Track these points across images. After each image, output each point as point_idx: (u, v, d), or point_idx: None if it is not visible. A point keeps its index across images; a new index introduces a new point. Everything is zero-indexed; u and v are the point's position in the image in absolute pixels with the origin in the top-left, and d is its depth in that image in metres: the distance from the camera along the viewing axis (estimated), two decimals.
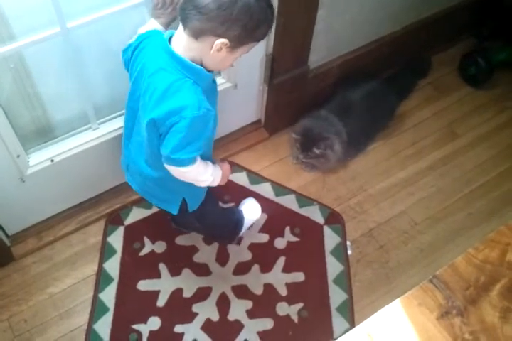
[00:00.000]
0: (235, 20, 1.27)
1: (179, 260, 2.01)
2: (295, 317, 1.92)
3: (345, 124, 2.15)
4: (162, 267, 1.99)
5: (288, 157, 2.28)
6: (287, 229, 2.10)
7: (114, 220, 2.08)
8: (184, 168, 1.43)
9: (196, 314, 1.91)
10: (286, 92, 2.16)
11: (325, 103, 2.24)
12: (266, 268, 2.01)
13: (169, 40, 1.39)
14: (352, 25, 2.12)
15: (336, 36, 2.12)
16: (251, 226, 2.08)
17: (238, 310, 1.93)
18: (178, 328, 1.88)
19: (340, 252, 2.06)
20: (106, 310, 1.90)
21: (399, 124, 2.42)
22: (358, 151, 2.31)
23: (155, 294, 1.94)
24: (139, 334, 1.86)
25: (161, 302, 1.93)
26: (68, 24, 1.48)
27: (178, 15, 1.33)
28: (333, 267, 2.02)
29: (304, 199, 2.18)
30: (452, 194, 2.23)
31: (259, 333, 1.88)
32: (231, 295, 1.95)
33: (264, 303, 1.95)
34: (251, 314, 1.92)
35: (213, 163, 1.58)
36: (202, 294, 1.95)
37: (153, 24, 1.53)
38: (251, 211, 2.08)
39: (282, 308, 1.94)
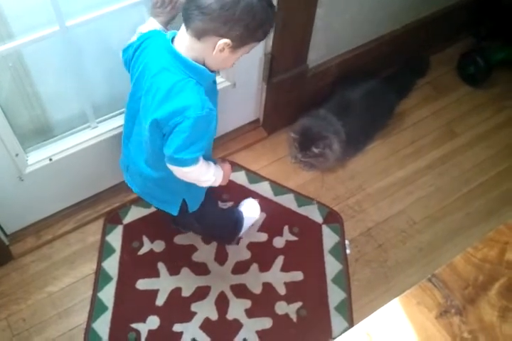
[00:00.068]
0: (237, 20, 1.27)
1: (178, 259, 2.01)
2: (294, 317, 1.92)
3: (344, 123, 2.15)
4: (161, 266, 1.99)
5: (286, 156, 2.28)
6: (286, 228, 2.10)
7: (112, 219, 2.08)
8: (187, 168, 1.43)
9: (195, 313, 1.91)
10: (285, 91, 2.16)
11: (324, 102, 2.24)
12: (265, 267, 2.01)
13: (172, 40, 1.39)
14: (351, 24, 2.12)
15: (335, 35, 2.12)
16: (250, 226, 2.08)
17: (237, 309, 1.93)
18: (177, 327, 1.88)
19: (338, 251, 2.06)
20: (105, 309, 1.90)
21: (398, 123, 2.42)
22: (357, 150, 2.31)
23: (154, 293, 1.94)
24: (138, 333, 1.86)
25: (159, 301, 1.93)
26: (67, 23, 1.47)
27: (182, 15, 1.33)
28: (332, 266, 2.02)
29: (302, 199, 2.18)
30: (451, 193, 2.24)
31: (257, 332, 1.88)
32: (230, 295, 1.95)
33: (263, 302, 1.95)
34: (250, 313, 1.92)
35: (215, 163, 1.58)
36: (201, 293, 1.95)
37: (153, 23, 1.53)
38: (250, 211, 2.07)
39: (281, 307, 1.94)
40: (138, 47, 1.45)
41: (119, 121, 1.87)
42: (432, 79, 2.58)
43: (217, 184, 1.59)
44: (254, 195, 2.16)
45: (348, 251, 2.06)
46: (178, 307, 1.92)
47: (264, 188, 2.20)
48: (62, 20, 1.46)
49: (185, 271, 1.99)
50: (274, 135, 2.34)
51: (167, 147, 1.39)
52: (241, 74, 2.01)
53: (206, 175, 1.52)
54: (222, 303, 1.94)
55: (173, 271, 1.99)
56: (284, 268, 2.01)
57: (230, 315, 1.92)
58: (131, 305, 1.92)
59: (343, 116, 2.17)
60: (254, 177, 2.22)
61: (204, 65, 1.37)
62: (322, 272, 2.01)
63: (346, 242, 2.08)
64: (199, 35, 1.31)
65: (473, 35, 2.68)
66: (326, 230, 2.11)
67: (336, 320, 1.91)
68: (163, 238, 2.05)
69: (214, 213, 1.92)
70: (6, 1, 1.39)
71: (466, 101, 2.51)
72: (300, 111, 2.21)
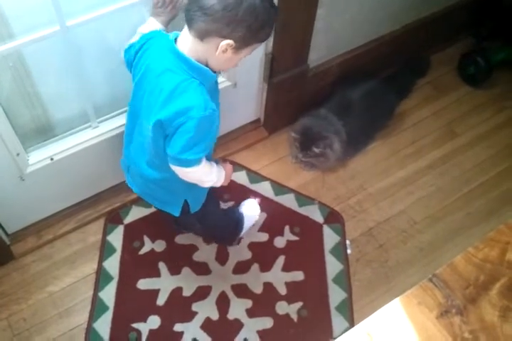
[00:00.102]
0: (240, 21, 1.28)
1: (179, 259, 2.01)
2: (294, 317, 1.92)
3: (344, 123, 2.15)
4: (162, 266, 1.99)
5: (287, 156, 2.28)
6: (287, 228, 2.10)
7: (113, 219, 2.08)
8: (190, 168, 1.43)
9: (196, 313, 1.91)
10: (286, 91, 2.16)
11: (324, 102, 2.24)
12: (265, 267, 2.01)
13: (174, 41, 1.39)
14: (352, 24, 2.12)
15: (336, 35, 2.12)
16: (251, 226, 2.08)
17: (238, 309, 1.93)
18: (178, 327, 1.88)
19: (339, 251, 2.06)
20: (106, 308, 1.90)
21: (398, 123, 2.42)
22: (358, 150, 2.31)
23: (155, 293, 1.94)
24: (139, 333, 1.86)
25: (160, 301, 1.93)
26: (68, 23, 1.48)
27: (185, 16, 1.33)
28: (333, 266, 2.02)
29: (303, 199, 2.18)
30: (451, 193, 2.24)
31: (258, 332, 1.88)
32: (231, 294, 1.95)
33: (263, 302, 1.95)
34: (250, 313, 1.92)
35: (216, 163, 1.58)
36: (202, 293, 1.95)
37: (153, 23, 1.54)
38: (251, 212, 2.07)
39: (282, 307, 1.94)
40: (140, 48, 1.45)
41: (120, 120, 1.87)
42: (433, 79, 2.58)
43: (219, 184, 1.60)
44: (255, 194, 2.16)
45: (348, 251, 2.06)
46: (179, 307, 1.92)
47: (264, 188, 2.20)
48: (62, 20, 1.46)
49: (186, 271, 1.99)
50: (274, 135, 2.34)
51: (171, 148, 1.39)
52: (242, 74, 2.01)
53: (209, 175, 1.53)
54: (223, 303, 1.94)
55: (174, 270, 1.99)
56: (285, 268, 2.01)
57: (231, 315, 1.92)
58: (132, 304, 1.92)
59: (343, 116, 2.17)
60: (255, 177, 2.22)
61: (207, 65, 1.37)
62: (323, 272, 2.01)
63: (347, 242, 2.08)
64: (202, 36, 1.31)
65: (473, 36, 2.68)
66: (326, 230, 2.11)
67: (337, 320, 1.91)
68: (164, 238, 2.05)
69: (216, 213, 1.92)
70: (6, 1, 1.40)
71: (467, 102, 2.51)
72: (300, 111, 2.21)
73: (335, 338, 1.85)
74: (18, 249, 1.99)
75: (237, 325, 1.90)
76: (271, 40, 1.91)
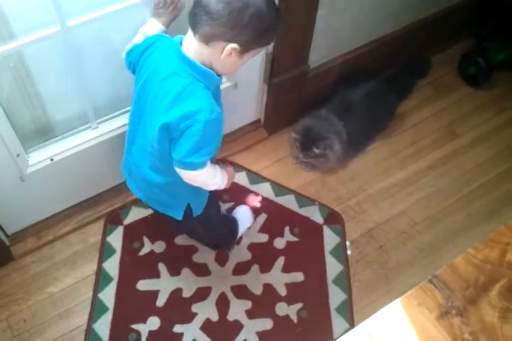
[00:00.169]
0: (245, 25, 1.29)
1: (179, 260, 2.01)
2: (294, 318, 1.92)
3: (345, 124, 2.15)
4: (161, 267, 1.99)
5: (288, 157, 2.28)
6: (287, 229, 2.10)
7: (113, 220, 2.08)
8: (195, 171, 1.44)
9: (195, 314, 1.91)
10: (286, 92, 2.16)
11: (325, 102, 2.24)
12: (265, 268, 2.01)
13: (179, 44, 1.40)
14: (352, 24, 2.12)
15: (336, 35, 2.12)
16: (245, 231, 2.08)
17: (237, 310, 1.93)
18: (178, 328, 1.88)
19: (339, 252, 2.06)
20: (105, 309, 1.90)
21: (398, 124, 2.42)
22: (358, 151, 2.31)
23: (154, 294, 1.94)
24: (138, 334, 1.86)
25: (160, 302, 1.93)
26: (68, 23, 1.48)
27: (189, 21, 1.33)
28: (333, 267, 2.02)
29: (303, 199, 2.18)
30: (452, 194, 2.23)
31: (258, 333, 1.88)
32: (230, 295, 1.95)
33: (263, 303, 1.95)
34: (250, 314, 1.92)
35: (221, 166, 1.59)
36: (201, 294, 1.95)
37: (154, 23, 1.54)
38: (244, 218, 2.07)
39: (282, 308, 1.94)
40: (144, 51, 1.46)
41: (120, 121, 1.87)
42: (433, 79, 2.58)
43: (222, 187, 1.60)
44: (255, 195, 2.16)
45: (348, 252, 2.06)
46: (179, 308, 1.92)
47: (265, 189, 2.19)
48: (63, 21, 1.46)
49: (185, 272, 1.99)
50: (275, 135, 2.34)
51: (176, 151, 1.40)
52: (242, 74, 2.00)
53: (213, 178, 1.54)
54: (222, 304, 1.94)
55: (174, 271, 1.99)
56: (285, 269, 2.01)
57: (231, 316, 1.91)
58: (132, 305, 1.92)
59: (344, 117, 2.17)
60: (255, 177, 2.22)
61: (211, 69, 1.38)
62: (323, 273, 2.01)
63: (347, 243, 2.08)
64: (207, 40, 1.32)
65: (473, 36, 2.68)
66: (326, 231, 2.10)
67: (337, 321, 1.91)
68: (164, 239, 2.05)
69: (218, 215, 1.93)
70: (7, 1, 1.40)
71: (467, 102, 2.51)
72: (301, 112, 2.21)
73: (335, 339, 1.85)
74: (18, 249, 1.99)
75: (237, 326, 1.90)
76: None
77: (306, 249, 2.07)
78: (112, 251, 2.01)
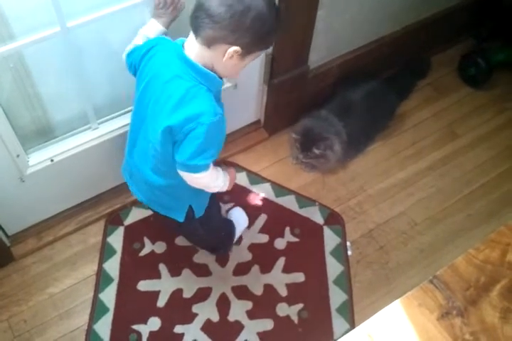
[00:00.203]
0: (247, 28, 1.29)
1: (179, 260, 2.01)
2: (295, 318, 1.92)
3: (345, 124, 2.15)
4: (162, 267, 1.99)
5: (288, 157, 2.28)
6: (287, 229, 2.10)
7: (113, 220, 2.08)
8: (199, 174, 1.44)
9: (196, 314, 1.91)
10: (286, 92, 2.16)
11: (325, 103, 2.24)
12: (266, 268, 2.01)
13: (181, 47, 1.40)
14: (352, 24, 2.12)
15: (336, 36, 2.12)
16: (246, 231, 2.08)
17: (238, 310, 1.93)
18: (178, 329, 1.88)
19: (340, 253, 2.06)
20: (106, 310, 1.90)
21: (399, 125, 2.42)
22: (358, 152, 2.31)
23: (155, 294, 1.94)
24: (139, 334, 1.86)
25: (161, 302, 1.93)
26: (68, 24, 1.48)
27: (190, 24, 1.34)
28: (333, 268, 2.02)
29: (303, 200, 2.18)
30: (452, 194, 2.23)
31: (259, 334, 1.88)
32: (231, 296, 1.95)
33: (264, 304, 1.94)
34: (251, 314, 1.92)
35: (222, 168, 1.59)
36: (202, 294, 1.95)
37: (155, 24, 1.54)
38: (240, 220, 2.07)
39: (282, 309, 1.94)
40: (145, 54, 1.46)
41: (121, 122, 1.87)
42: (433, 80, 2.58)
43: (224, 189, 1.61)
44: (255, 196, 2.16)
45: (349, 253, 2.06)
46: (179, 309, 1.92)
47: (265, 189, 2.20)
48: (63, 21, 1.46)
49: (186, 273, 1.99)
50: (275, 136, 2.34)
51: (180, 154, 1.40)
52: (242, 75, 1.97)
53: (216, 180, 1.54)
54: (223, 305, 1.93)
55: (174, 272, 1.99)
56: (285, 270, 2.01)
57: (232, 317, 1.91)
58: (133, 306, 1.92)
59: (344, 117, 2.17)
60: (256, 178, 2.22)
61: (213, 71, 1.38)
62: (323, 273, 2.01)
63: (347, 244, 2.08)
64: (209, 43, 1.32)
65: (473, 37, 2.68)
66: (327, 231, 2.10)
67: (338, 322, 1.91)
68: (165, 239, 2.05)
69: (218, 216, 1.94)
70: (7, 2, 1.40)
71: (467, 103, 2.52)
72: (301, 112, 2.21)
73: (335, 340, 1.85)
74: (19, 250, 1.99)
75: (238, 326, 1.90)
76: None
77: (307, 249, 2.07)
78: (113, 252, 2.01)
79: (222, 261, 2.02)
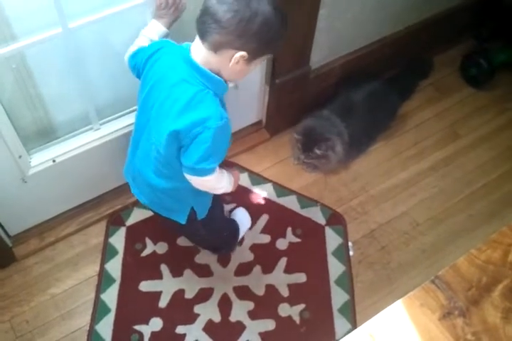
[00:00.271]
0: (254, 33, 1.30)
1: (181, 261, 2.01)
2: (297, 319, 1.92)
3: (347, 125, 2.15)
4: (164, 268, 1.99)
5: (289, 158, 2.28)
6: (289, 229, 2.10)
7: (115, 221, 2.08)
8: (205, 177, 1.45)
9: (198, 315, 1.91)
10: (288, 93, 2.16)
11: (327, 103, 2.24)
12: (268, 269, 2.01)
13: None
14: (354, 24, 2.12)
15: (338, 35, 2.12)
16: (247, 231, 2.08)
17: (240, 311, 1.93)
18: (180, 329, 1.88)
19: (341, 253, 2.05)
20: (108, 310, 1.90)
21: (400, 125, 2.42)
22: (360, 152, 2.31)
23: (157, 295, 1.94)
24: (141, 335, 1.86)
25: (162, 303, 1.93)
26: (70, 24, 1.48)
27: (196, 28, 1.34)
28: (335, 268, 2.02)
29: (305, 200, 2.18)
30: (454, 195, 2.23)
31: (260, 334, 1.88)
32: (233, 296, 1.95)
33: (265, 304, 1.94)
34: (253, 315, 1.92)
35: (226, 170, 1.59)
36: (204, 295, 1.95)
37: (156, 25, 1.55)
38: (243, 220, 2.07)
39: (284, 309, 1.94)
40: (150, 57, 1.46)
41: (122, 122, 1.87)
42: (435, 80, 2.58)
43: (228, 191, 1.61)
44: (256, 196, 2.16)
45: (351, 253, 2.06)
46: (181, 309, 1.92)
47: (267, 190, 2.19)
48: (65, 22, 1.46)
49: (188, 273, 1.99)
50: (276, 137, 2.34)
51: (187, 158, 1.40)
52: None
53: (222, 182, 1.55)
54: (225, 305, 1.93)
55: (176, 272, 1.99)
56: (287, 270, 2.01)
57: (233, 317, 1.91)
58: (134, 307, 1.92)
59: (346, 118, 2.17)
60: (257, 178, 2.22)
61: (219, 76, 1.39)
62: (325, 274, 2.01)
63: (349, 244, 2.08)
64: (216, 48, 1.33)
65: (474, 37, 2.68)
66: (329, 232, 2.10)
67: (339, 322, 1.91)
68: (166, 240, 2.05)
69: (222, 217, 1.94)
70: (9, 3, 1.40)
71: (469, 103, 2.51)
72: (303, 113, 2.21)
73: (337, 340, 1.85)
74: (20, 251, 1.99)
75: (240, 327, 1.90)
76: None
77: (309, 249, 2.07)
78: (114, 252, 2.01)
79: (224, 262, 2.02)
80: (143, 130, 1.51)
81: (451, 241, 2.11)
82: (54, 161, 1.82)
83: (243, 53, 1.32)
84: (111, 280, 1.96)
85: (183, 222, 1.65)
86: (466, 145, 2.38)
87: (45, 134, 1.82)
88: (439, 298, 1.04)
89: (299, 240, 2.08)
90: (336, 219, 2.13)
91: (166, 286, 1.96)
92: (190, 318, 1.90)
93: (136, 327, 1.87)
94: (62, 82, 1.69)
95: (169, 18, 1.56)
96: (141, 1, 1.58)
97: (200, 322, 1.90)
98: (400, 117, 2.42)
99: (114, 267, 1.99)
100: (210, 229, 1.81)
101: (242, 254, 2.04)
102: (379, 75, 2.36)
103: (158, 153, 1.46)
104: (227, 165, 1.70)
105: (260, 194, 2.18)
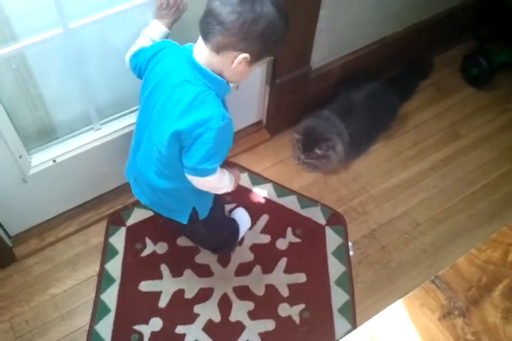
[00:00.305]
0: (257, 35, 1.30)
1: (181, 261, 2.01)
2: (297, 319, 1.92)
3: (347, 125, 2.15)
4: (164, 268, 1.99)
5: (289, 158, 2.28)
6: (289, 230, 2.10)
7: (115, 221, 2.08)
8: (207, 177, 1.45)
9: (198, 315, 1.91)
10: (288, 93, 2.16)
11: (327, 103, 2.24)
12: (268, 269, 2.01)
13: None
14: (354, 24, 2.12)
15: (338, 36, 2.12)
16: (248, 231, 2.08)
17: (240, 311, 1.93)
18: (180, 329, 1.88)
19: (342, 253, 2.05)
20: (107, 310, 1.90)
21: (401, 125, 2.42)
22: (360, 152, 2.31)
23: (157, 295, 1.94)
24: (141, 335, 1.86)
25: (162, 303, 1.93)
26: (70, 25, 1.48)
27: (200, 29, 1.34)
28: (335, 268, 2.02)
29: (305, 200, 2.18)
30: (454, 195, 2.23)
31: (260, 334, 1.88)
32: (233, 296, 1.95)
33: (265, 304, 1.94)
34: (253, 315, 1.92)
35: (227, 170, 1.60)
36: (203, 295, 1.95)
37: (157, 25, 1.55)
38: (243, 220, 2.07)
39: (284, 309, 1.93)
40: (152, 58, 1.46)
41: (123, 122, 1.87)
42: (435, 80, 2.58)
43: (229, 190, 1.62)
44: (257, 196, 2.16)
45: (351, 253, 2.06)
46: (181, 309, 1.92)
47: (267, 190, 2.19)
48: (65, 22, 1.46)
49: (188, 273, 1.99)
50: (276, 137, 2.34)
51: (188, 158, 1.40)
52: None
53: (223, 182, 1.55)
54: (225, 305, 1.93)
55: (176, 272, 1.99)
56: (287, 270, 2.01)
57: (233, 317, 1.91)
58: (134, 307, 1.92)
59: (346, 118, 2.17)
60: (257, 178, 2.22)
61: (221, 77, 1.39)
62: (325, 274, 2.01)
63: (349, 244, 2.08)
64: (219, 49, 1.33)
65: (475, 37, 2.68)
66: (329, 232, 2.10)
67: (339, 322, 1.91)
68: (166, 240, 2.05)
69: (223, 217, 1.94)
70: (9, 3, 1.40)
71: (470, 103, 2.51)
72: (303, 113, 2.21)
73: (337, 340, 1.85)
74: (21, 251, 1.99)
75: (239, 327, 1.90)
76: None
77: (309, 249, 2.07)
78: (114, 253, 2.01)
79: (224, 262, 2.02)
80: (144, 131, 1.51)
81: (451, 241, 2.11)
82: (54, 161, 1.82)
83: (246, 55, 1.32)
84: (111, 280, 1.96)
85: (185, 222, 1.65)
86: (467, 145, 2.38)
87: (45, 134, 1.82)
88: (439, 298, 1.04)
89: (299, 240, 2.08)
90: (336, 219, 2.13)
91: (165, 286, 1.96)
92: (190, 318, 1.90)
93: (136, 327, 1.87)
94: (62, 82, 1.69)
95: (170, 19, 1.56)
96: (142, 1, 1.58)
97: (200, 322, 1.90)
98: (401, 117, 2.42)
99: (114, 267, 1.99)
100: (211, 229, 1.81)
101: (242, 254, 2.04)
102: (379, 75, 2.36)
103: (159, 153, 1.46)
104: (227, 164, 1.70)
105: (260, 194, 2.18)
